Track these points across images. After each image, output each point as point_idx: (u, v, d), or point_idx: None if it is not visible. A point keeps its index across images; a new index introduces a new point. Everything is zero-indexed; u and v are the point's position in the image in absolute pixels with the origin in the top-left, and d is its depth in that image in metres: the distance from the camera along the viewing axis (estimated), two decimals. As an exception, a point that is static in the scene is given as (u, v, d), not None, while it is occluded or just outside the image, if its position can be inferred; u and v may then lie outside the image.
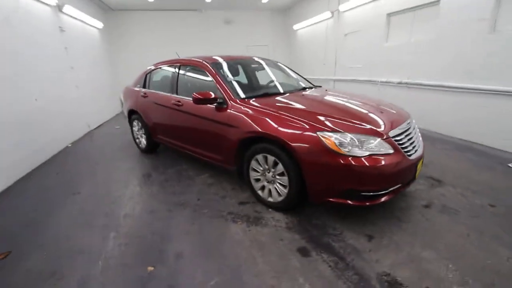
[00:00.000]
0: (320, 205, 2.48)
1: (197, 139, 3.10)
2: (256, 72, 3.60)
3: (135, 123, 4.32)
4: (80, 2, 6.43)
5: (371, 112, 2.39)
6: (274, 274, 1.75)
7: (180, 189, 3.04)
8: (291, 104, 2.51)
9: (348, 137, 1.99)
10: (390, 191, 2.06)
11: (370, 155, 1.95)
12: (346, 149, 1.95)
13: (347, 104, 2.63)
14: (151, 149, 4.25)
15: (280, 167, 2.27)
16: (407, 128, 2.33)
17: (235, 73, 3.20)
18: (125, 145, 4.94)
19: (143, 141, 4.26)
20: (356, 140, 1.98)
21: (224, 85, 2.77)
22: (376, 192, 2.00)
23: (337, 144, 1.97)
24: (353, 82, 6.72)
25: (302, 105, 2.52)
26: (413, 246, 1.95)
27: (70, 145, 5.05)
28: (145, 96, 3.88)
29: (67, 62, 5.34)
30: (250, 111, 2.44)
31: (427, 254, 1.87)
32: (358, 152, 1.95)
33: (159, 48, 9.38)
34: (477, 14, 3.74)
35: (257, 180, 2.56)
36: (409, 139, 2.25)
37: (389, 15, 5.41)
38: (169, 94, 3.43)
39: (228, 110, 2.61)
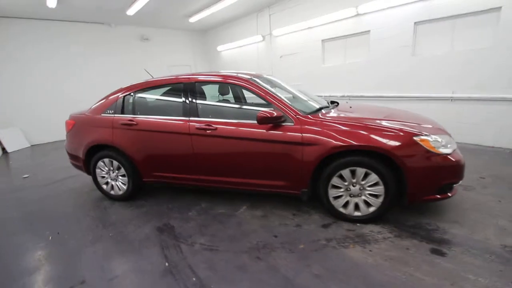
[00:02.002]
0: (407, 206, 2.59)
1: (244, 166, 2.61)
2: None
3: (102, 163, 3.13)
4: None
5: (420, 117, 2.76)
6: (447, 282, 1.70)
7: (235, 231, 2.44)
8: (364, 116, 2.55)
9: (436, 138, 2.23)
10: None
11: (453, 150, 2.26)
12: (439, 149, 2.19)
13: (399, 112, 2.89)
14: (133, 194, 3.19)
15: (373, 178, 2.25)
16: None
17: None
18: (67, 199, 3.47)
19: (120, 185, 3.15)
20: (441, 140, 2.25)
21: (283, 101, 2.50)
22: (457, 183, 2.32)
23: (433, 146, 2.17)
24: (295, 98, 7.41)
25: (373, 116, 2.59)
26: (489, 219, 2.36)
27: (-38, 217, 3.05)
28: (130, 124, 2.91)
29: None
30: (332, 126, 2.32)
31: (502, 222, 2.31)
32: (446, 150, 2.22)
33: (58, 67, 7.30)
34: (402, 42, 5.03)
35: (337, 197, 2.42)
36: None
37: (324, 41, 6.40)
38: (184, 119, 2.73)
39: (296, 128, 2.36)
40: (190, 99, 2.76)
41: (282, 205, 2.83)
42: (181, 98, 2.83)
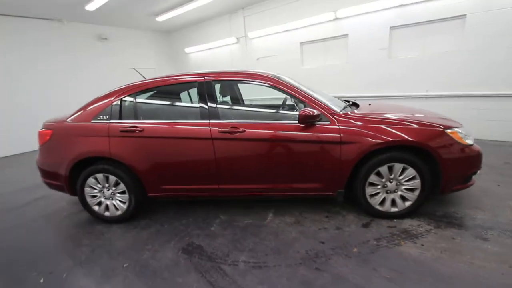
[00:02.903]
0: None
1: (276, 171, 2.41)
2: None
3: (93, 180, 2.60)
4: None
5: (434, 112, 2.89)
6: (505, 265, 1.77)
7: (275, 242, 2.22)
8: (392, 112, 2.56)
9: (460, 129, 2.35)
10: None
11: (473, 141, 2.42)
12: (466, 140, 2.31)
13: (415, 109, 2.99)
14: (134, 213, 2.72)
15: (411, 172, 2.27)
16: None
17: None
18: (43, 228, 2.83)
19: (118, 204, 2.66)
20: (464, 132, 2.38)
21: (317, 100, 2.38)
22: (476, 172, 2.47)
23: (461, 137, 2.29)
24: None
25: (400, 112, 2.61)
26: (501, 202, 2.58)
27: None
28: (133, 130, 2.47)
29: None
30: (368, 123, 2.27)
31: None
32: (469, 141, 2.36)
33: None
34: (379, 45, 5.38)
35: (373, 195, 2.39)
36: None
37: (302, 43, 6.53)
38: (203, 122, 2.41)
39: (333, 126, 2.27)
40: (208, 100, 2.46)
41: (310, 209, 2.70)
42: (196, 99, 2.52)
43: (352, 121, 2.29)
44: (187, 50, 9.10)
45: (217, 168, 2.45)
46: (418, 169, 2.25)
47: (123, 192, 2.62)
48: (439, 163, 2.22)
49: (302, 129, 2.29)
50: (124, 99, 2.58)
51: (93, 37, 7.67)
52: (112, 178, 2.58)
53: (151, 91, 2.62)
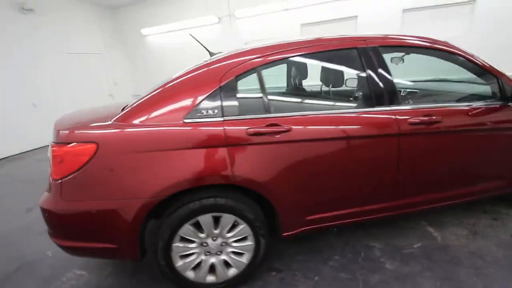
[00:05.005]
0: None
1: (471, 171, 1.83)
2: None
3: (190, 228, 1.44)
4: None
5: None
6: None
7: (497, 270, 1.62)
8: None
9: None
10: None
11: None
12: None
13: None
14: (256, 268, 1.67)
15: None
16: None
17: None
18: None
19: (234, 259, 1.57)
20: None
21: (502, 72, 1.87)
22: None
23: None
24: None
25: None
26: None
27: None
28: (274, 132, 1.42)
29: None
30: None
31: None
32: None
33: None
34: (390, 28, 5.24)
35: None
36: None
37: (303, 25, 5.91)
38: (385, 110, 1.57)
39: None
40: (380, 75, 1.62)
41: (463, 214, 2.19)
42: (359, 75, 1.65)
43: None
44: (144, 31, 7.29)
45: (397, 179, 1.66)
46: None
47: (243, 239, 1.55)
48: None
49: (503, 111, 1.74)
50: (241, 78, 1.48)
51: (11, 6, 5.19)
52: (229, 219, 1.47)
53: (286, 63, 1.59)
